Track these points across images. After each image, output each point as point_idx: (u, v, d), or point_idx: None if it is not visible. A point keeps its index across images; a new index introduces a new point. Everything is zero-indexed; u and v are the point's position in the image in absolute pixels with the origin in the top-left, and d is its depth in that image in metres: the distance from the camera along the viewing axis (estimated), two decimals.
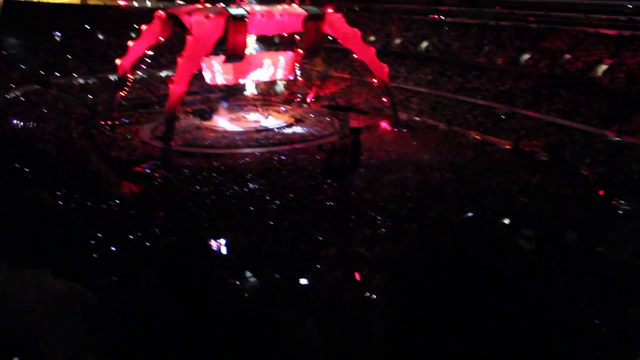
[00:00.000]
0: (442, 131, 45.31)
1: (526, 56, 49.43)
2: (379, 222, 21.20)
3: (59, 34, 59.97)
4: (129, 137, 41.97)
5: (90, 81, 55.16)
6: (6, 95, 42.69)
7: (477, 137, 43.33)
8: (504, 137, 42.50)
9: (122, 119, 46.26)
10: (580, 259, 13.47)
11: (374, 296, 10.46)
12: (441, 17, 60.77)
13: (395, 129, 45.26)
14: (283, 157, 36.48)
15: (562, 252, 14.17)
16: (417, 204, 24.49)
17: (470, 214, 21.48)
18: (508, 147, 40.37)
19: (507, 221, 18.85)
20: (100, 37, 62.50)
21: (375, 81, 47.70)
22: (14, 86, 46.04)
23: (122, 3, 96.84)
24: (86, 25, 63.15)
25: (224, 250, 15.84)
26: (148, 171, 32.97)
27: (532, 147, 39.72)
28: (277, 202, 25.36)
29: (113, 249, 13.51)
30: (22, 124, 37.63)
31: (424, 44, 58.85)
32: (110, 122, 44.38)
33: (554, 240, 15.68)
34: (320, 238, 19.40)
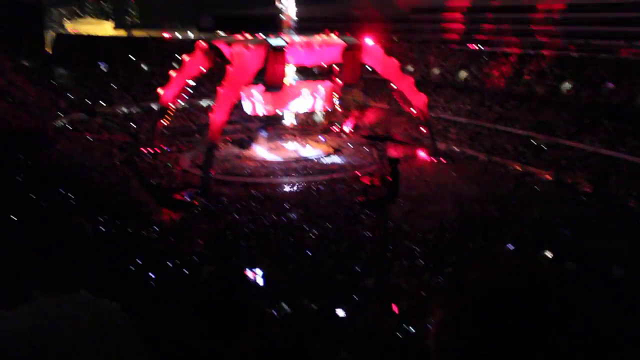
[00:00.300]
0: (482, 162, 44.80)
1: (567, 85, 48.77)
2: (417, 253, 20.96)
3: (105, 65, 62.05)
4: (170, 165, 42.77)
5: (133, 110, 56.86)
6: (54, 124, 44.13)
7: (517, 167, 42.65)
8: (545, 167, 41.74)
9: (163, 147, 47.27)
10: (626, 295, 13.03)
11: (412, 329, 10.30)
12: (479, 46, 60.69)
13: (434, 159, 44.97)
14: (321, 187, 36.55)
15: (608, 287, 13.75)
16: (456, 236, 24.16)
17: (511, 247, 21.07)
18: (550, 178, 39.57)
19: (549, 254, 18.40)
20: (144, 67, 64.41)
21: (414, 111, 47.70)
22: (61, 114, 47.62)
23: (165, 35, 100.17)
24: (131, 56, 65.21)
25: (261, 280, 15.86)
26: (187, 199, 33.45)
27: (575, 178, 38.85)
28: (315, 231, 25.35)
29: (152, 275, 13.69)
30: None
31: (463, 74, 58.67)
32: (151, 150, 45.40)
33: (600, 275, 15.24)
34: (358, 269, 19.28)
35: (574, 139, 43.38)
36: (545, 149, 44.38)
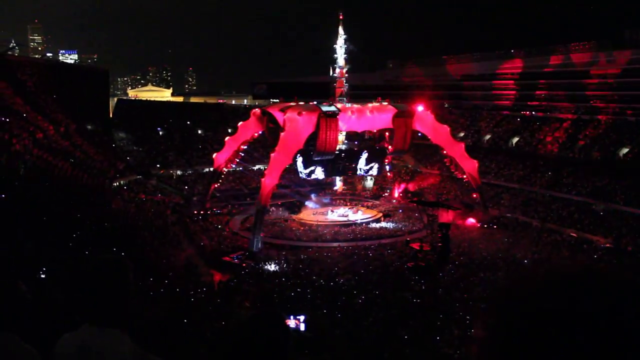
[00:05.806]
0: (536, 228, 43.49)
1: (625, 150, 47.48)
2: (468, 322, 20.28)
3: (162, 129, 64.55)
4: (220, 227, 43.29)
5: (187, 172, 58.46)
6: (112, 184, 45.65)
7: (573, 234, 41.15)
8: (604, 235, 40.11)
9: (215, 210, 48.05)
10: None
11: None
12: (533, 112, 60.17)
13: (486, 226, 43.99)
14: (370, 252, 36.16)
15: None
16: None
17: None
18: (608, 245, 37.91)
19: None
20: (199, 132, 66.62)
21: (465, 177, 47.23)
22: (118, 176, 49.34)
23: (221, 101, 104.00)
24: (187, 122, 67.67)
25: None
26: (236, 261, 33.68)
27: (636, 246, 37.15)
28: (363, 297, 24.97)
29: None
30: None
31: (515, 140, 58.04)
32: (203, 212, 46.17)
33: None
34: (406, 336, 18.77)
35: (633, 205, 41.71)
36: (603, 215, 42.83)
